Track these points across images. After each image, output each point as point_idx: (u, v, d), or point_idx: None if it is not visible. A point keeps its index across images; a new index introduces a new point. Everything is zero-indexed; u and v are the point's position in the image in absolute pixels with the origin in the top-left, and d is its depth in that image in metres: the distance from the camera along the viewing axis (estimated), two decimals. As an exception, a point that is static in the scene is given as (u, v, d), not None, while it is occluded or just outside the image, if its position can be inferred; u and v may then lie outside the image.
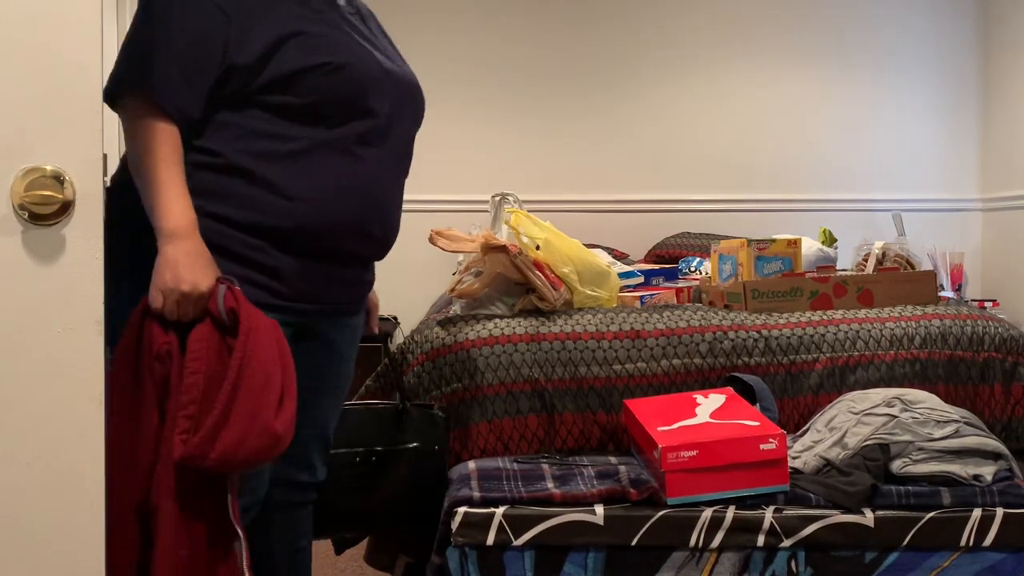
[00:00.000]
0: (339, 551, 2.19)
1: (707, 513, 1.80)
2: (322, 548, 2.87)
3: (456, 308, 2.44)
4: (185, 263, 1.43)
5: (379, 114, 1.64)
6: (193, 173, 1.53)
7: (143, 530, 1.38)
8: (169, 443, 1.38)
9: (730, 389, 2.08)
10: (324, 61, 1.56)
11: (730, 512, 1.80)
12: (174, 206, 1.45)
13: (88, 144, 1.21)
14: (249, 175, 1.55)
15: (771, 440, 1.83)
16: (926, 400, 2.00)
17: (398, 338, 3.91)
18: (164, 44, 1.50)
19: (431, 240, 2.30)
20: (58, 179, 1.19)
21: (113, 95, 1.49)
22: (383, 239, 1.72)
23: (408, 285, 3.85)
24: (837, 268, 3.14)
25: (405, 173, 1.79)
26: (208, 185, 1.53)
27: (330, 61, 1.56)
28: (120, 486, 1.35)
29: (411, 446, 1.97)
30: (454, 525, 1.81)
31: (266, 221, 1.55)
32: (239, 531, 1.40)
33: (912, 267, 3.21)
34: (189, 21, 1.51)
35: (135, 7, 1.60)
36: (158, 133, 1.48)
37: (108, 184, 1.52)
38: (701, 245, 4.06)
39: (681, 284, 3.10)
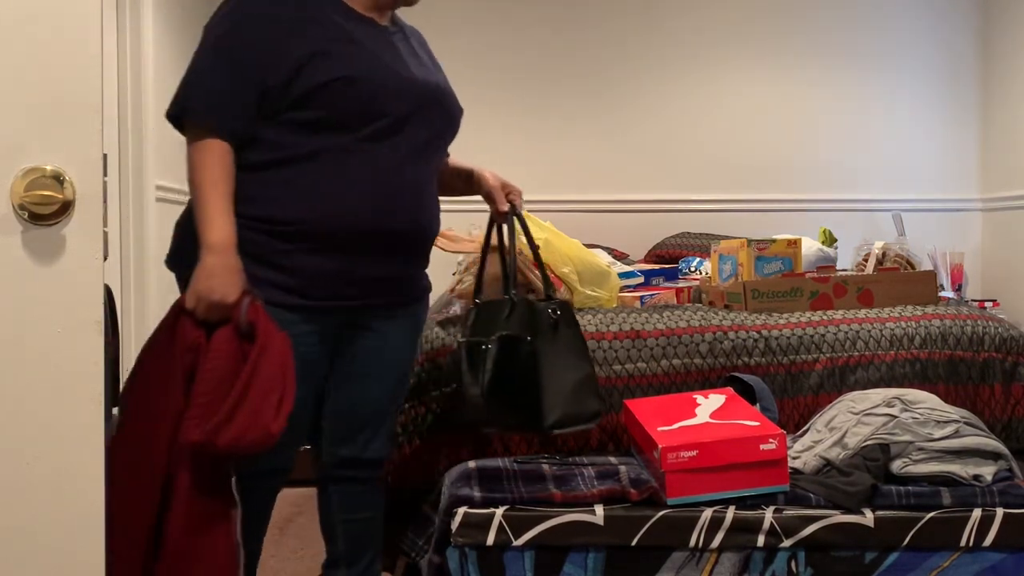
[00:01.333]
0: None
1: (707, 513, 1.80)
2: (323, 548, 2.87)
3: (456, 308, 2.44)
4: (220, 275, 1.65)
5: (394, 115, 1.78)
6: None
7: (163, 493, 1.62)
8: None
9: (730, 389, 2.08)
10: (339, 75, 1.72)
11: (730, 512, 1.80)
12: (217, 222, 1.67)
13: (88, 144, 1.21)
14: (276, 182, 1.74)
15: (771, 440, 1.83)
16: (926, 400, 2.00)
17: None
18: (219, 72, 1.72)
19: (431, 240, 2.30)
20: (58, 179, 1.19)
21: (177, 118, 1.75)
22: (412, 231, 1.85)
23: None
24: (837, 268, 3.14)
25: (430, 169, 1.90)
26: (241, 192, 1.73)
27: (344, 75, 1.73)
28: (145, 449, 1.60)
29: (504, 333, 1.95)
30: (454, 525, 1.81)
31: (293, 224, 1.74)
32: (236, 500, 1.66)
33: (912, 267, 3.21)
34: (241, 52, 1.72)
35: (134, 7, 1.61)
36: (211, 154, 1.70)
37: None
38: (701, 245, 4.06)
39: (681, 284, 3.10)
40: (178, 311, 1.69)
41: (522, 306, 1.94)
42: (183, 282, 1.75)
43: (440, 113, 1.88)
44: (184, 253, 1.76)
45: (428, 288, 2.03)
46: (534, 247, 2.08)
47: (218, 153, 1.70)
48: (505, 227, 2.06)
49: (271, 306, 1.71)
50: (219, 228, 1.67)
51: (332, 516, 2.01)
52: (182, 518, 1.60)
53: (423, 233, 1.89)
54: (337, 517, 2.00)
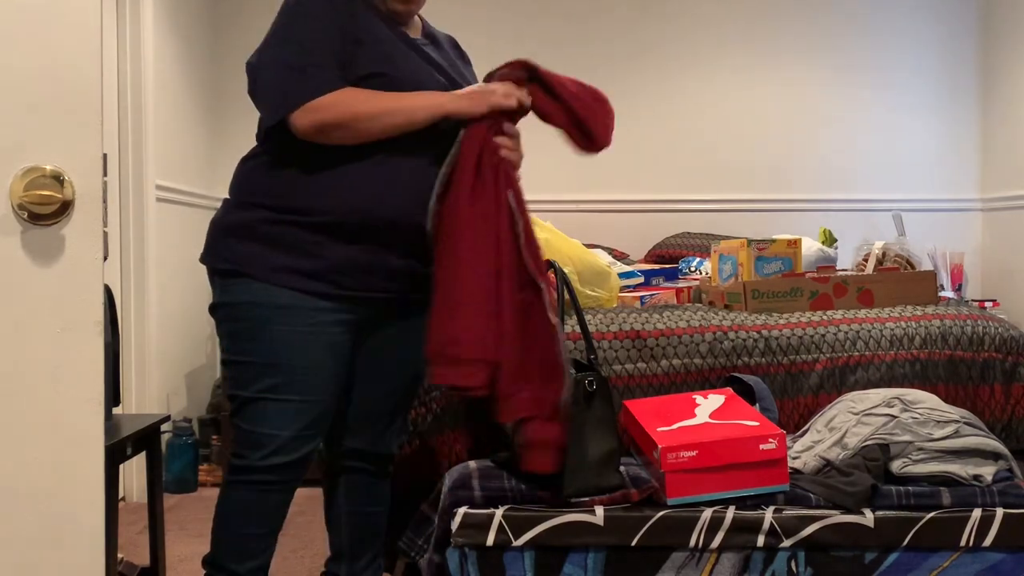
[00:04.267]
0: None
1: (707, 513, 1.80)
2: (322, 548, 2.87)
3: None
4: (467, 93, 1.84)
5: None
6: (251, 174, 1.85)
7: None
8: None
9: (730, 389, 2.08)
10: (369, 72, 1.78)
11: (730, 512, 1.80)
12: (421, 98, 1.80)
13: (88, 144, 1.21)
14: (306, 175, 1.79)
15: (771, 440, 1.83)
16: (926, 400, 2.00)
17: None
18: (307, 55, 1.76)
19: (431, 240, 2.29)
20: (58, 179, 1.19)
21: (286, 110, 1.75)
22: (404, 226, 1.85)
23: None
24: (837, 268, 3.14)
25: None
26: (269, 185, 1.81)
27: (375, 72, 1.79)
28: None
29: None
30: (454, 525, 1.81)
31: (323, 213, 1.78)
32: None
33: (912, 267, 3.21)
34: (311, 32, 1.78)
35: (134, 7, 1.62)
36: (345, 96, 1.75)
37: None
38: (701, 245, 4.06)
39: (681, 284, 3.10)
40: (486, 131, 1.84)
41: None
42: (217, 275, 1.85)
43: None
44: (218, 249, 1.85)
45: None
46: (581, 317, 2.02)
47: (349, 90, 1.76)
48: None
49: (302, 294, 1.78)
50: (426, 97, 1.80)
51: (339, 507, 2.05)
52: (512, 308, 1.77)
53: (407, 227, 1.91)
54: (343, 508, 2.05)
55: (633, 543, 1.79)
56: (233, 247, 1.83)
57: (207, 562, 1.91)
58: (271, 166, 1.83)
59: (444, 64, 1.95)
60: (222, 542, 1.89)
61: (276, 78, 1.77)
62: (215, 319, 1.90)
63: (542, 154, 4.61)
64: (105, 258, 1.24)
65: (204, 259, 1.90)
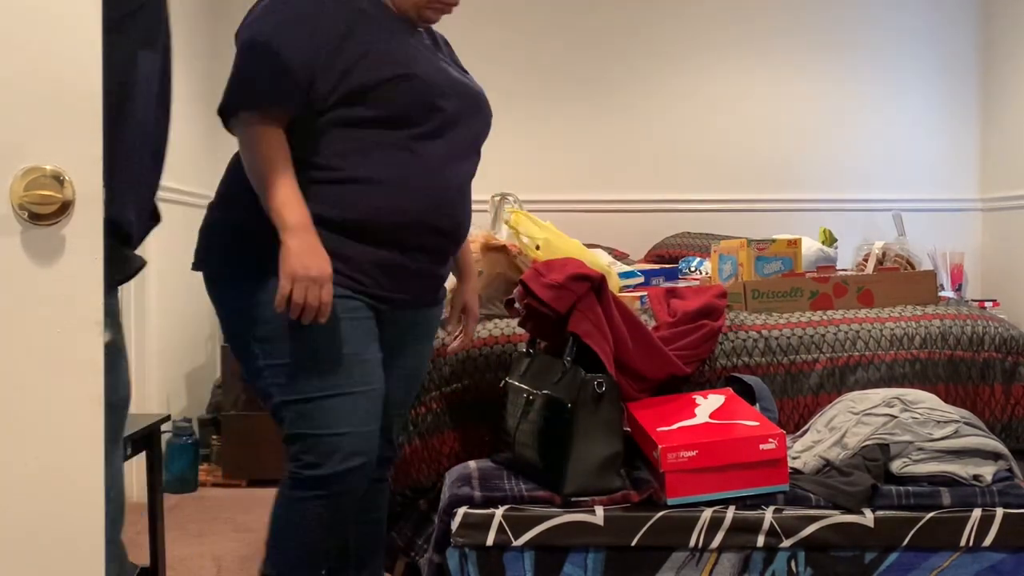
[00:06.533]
0: None
1: (707, 513, 1.80)
2: (322, 548, 2.87)
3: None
4: (310, 252, 1.65)
5: (445, 113, 1.80)
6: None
7: None
8: None
9: (730, 389, 2.08)
10: (396, 74, 1.73)
11: (730, 512, 1.80)
12: (292, 202, 1.67)
13: (88, 144, 1.21)
14: (329, 177, 1.74)
15: (771, 440, 1.83)
16: (926, 400, 2.00)
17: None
18: (267, 67, 1.71)
19: (431, 240, 2.29)
20: (58, 179, 1.19)
21: (225, 111, 1.75)
22: (452, 230, 1.85)
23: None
24: (837, 268, 3.14)
25: (471, 173, 1.92)
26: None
27: (401, 73, 1.74)
28: None
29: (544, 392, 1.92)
30: (454, 525, 1.81)
31: (346, 216, 1.73)
32: None
33: (912, 267, 3.21)
34: (285, 51, 1.71)
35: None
36: (267, 138, 1.69)
37: (217, 200, 1.82)
38: (701, 245, 4.06)
39: (681, 284, 3.09)
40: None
41: (572, 372, 1.91)
42: (211, 282, 1.79)
43: (479, 116, 1.91)
44: (210, 253, 1.80)
45: (445, 293, 2.03)
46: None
47: (275, 135, 1.70)
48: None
49: (336, 293, 1.70)
50: (295, 208, 1.66)
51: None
52: None
53: (459, 234, 1.90)
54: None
55: (633, 543, 1.79)
56: (255, 248, 1.73)
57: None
58: (297, 170, 1.74)
59: (449, 64, 1.92)
60: (291, 557, 1.78)
61: (264, 82, 1.73)
62: (238, 327, 1.77)
63: (542, 154, 4.62)
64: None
65: (199, 265, 1.82)
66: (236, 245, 1.77)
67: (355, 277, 1.75)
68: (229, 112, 1.75)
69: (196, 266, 1.83)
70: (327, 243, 1.70)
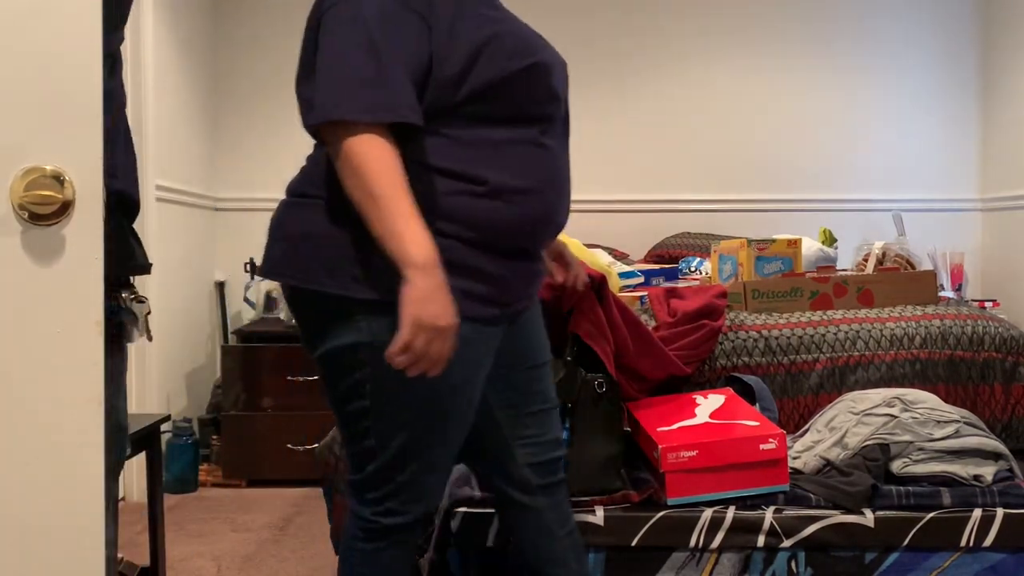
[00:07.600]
0: None
1: (707, 513, 1.80)
2: (323, 548, 2.87)
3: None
4: (438, 298, 1.35)
5: (561, 100, 1.59)
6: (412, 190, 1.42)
7: None
8: None
9: (730, 389, 2.08)
10: (525, 65, 1.48)
11: (730, 512, 1.80)
12: (417, 234, 1.35)
13: (88, 144, 1.21)
14: (470, 191, 1.46)
15: (771, 440, 1.83)
16: (926, 400, 2.00)
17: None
18: (376, 63, 1.40)
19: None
20: (58, 179, 1.19)
21: (326, 120, 1.39)
22: (563, 223, 1.62)
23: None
24: (837, 268, 3.14)
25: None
26: (426, 202, 1.45)
27: (529, 63, 1.49)
28: None
29: None
30: (454, 525, 1.81)
31: (485, 229, 1.47)
32: None
33: (912, 267, 3.21)
34: (396, 37, 1.42)
35: (134, 7, 1.60)
36: (383, 153, 1.37)
37: (292, 200, 1.52)
38: (701, 245, 4.06)
39: (681, 284, 3.09)
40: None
41: (572, 372, 1.87)
42: (353, 307, 1.45)
43: (567, 93, 1.66)
44: (299, 259, 1.48)
45: None
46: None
47: (390, 151, 1.38)
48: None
49: (469, 321, 1.46)
50: (421, 242, 1.34)
51: (551, 535, 1.67)
52: None
53: (563, 226, 1.66)
54: (556, 533, 1.67)
55: (633, 543, 1.79)
56: (379, 271, 1.43)
57: None
58: (428, 180, 1.47)
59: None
60: None
61: (382, 84, 1.40)
62: (343, 362, 1.48)
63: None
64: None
65: (325, 286, 1.46)
66: (357, 268, 1.46)
67: (497, 297, 1.50)
68: (331, 120, 1.39)
69: (314, 286, 1.48)
70: (464, 257, 1.46)
